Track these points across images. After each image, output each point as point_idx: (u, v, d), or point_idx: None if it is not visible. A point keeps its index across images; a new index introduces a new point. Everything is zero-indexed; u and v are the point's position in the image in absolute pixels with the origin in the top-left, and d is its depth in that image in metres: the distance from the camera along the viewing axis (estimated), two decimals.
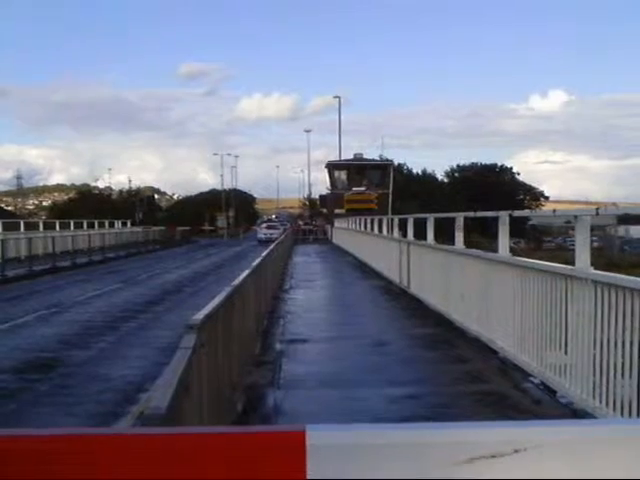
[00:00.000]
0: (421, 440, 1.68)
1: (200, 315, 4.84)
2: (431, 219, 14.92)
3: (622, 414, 6.07)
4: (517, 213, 11.25)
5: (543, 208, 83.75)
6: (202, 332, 4.58)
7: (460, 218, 12.35)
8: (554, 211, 9.46)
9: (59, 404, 9.12)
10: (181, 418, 3.56)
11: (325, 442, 1.66)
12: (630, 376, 5.97)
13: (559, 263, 8.14)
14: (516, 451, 1.64)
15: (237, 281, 8.10)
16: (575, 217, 7.37)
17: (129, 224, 68.41)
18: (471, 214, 12.95)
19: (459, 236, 12.24)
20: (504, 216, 9.78)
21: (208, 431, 1.72)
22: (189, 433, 1.71)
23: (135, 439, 1.68)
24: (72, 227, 50.34)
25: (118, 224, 63.80)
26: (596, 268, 7.03)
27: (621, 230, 63.76)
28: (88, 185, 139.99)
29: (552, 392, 7.80)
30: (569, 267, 7.39)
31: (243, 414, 7.24)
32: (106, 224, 59.66)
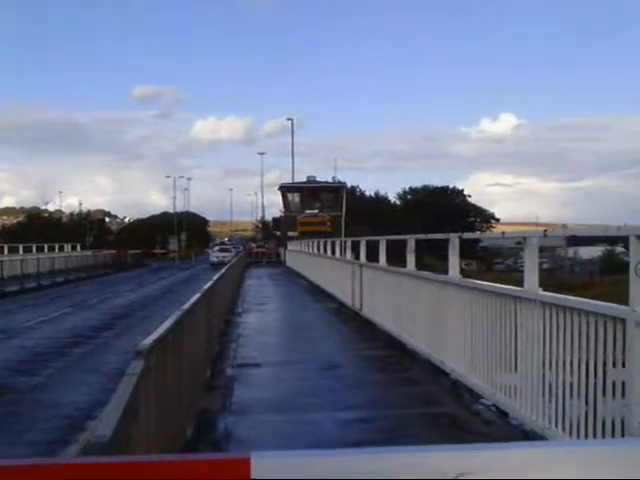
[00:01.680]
0: (367, 465, 1.66)
1: (148, 340, 4.78)
2: (383, 241, 14.98)
3: (571, 435, 6.12)
4: (467, 235, 11.38)
5: (494, 230, 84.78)
6: (150, 357, 4.52)
7: (412, 241, 12.43)
8: (503, 233, 9.59)
9: (5, 432, 8.90)
10: (128, 445, 3.49)
11: (270, 469, 1.64)
12: (578, 396, 6.02)
13: (509, 284, 8.20)
14: (461, 474, 1.64)
15: (187, 305, 8.03)
16: (524, 239, 7.46)
17: (79, 248, 67.53)
18: (422, 236, 13.03)
19: (410, 258, 12.29)
20: (454, 238, 9.85)
21: (150, 460, 1.69)
22: (132, 462, 1.68)
23: (76, 468, 1.64)
24: (21, 251, 49.53)
25: (68, 248, 62.92)
26: (546, 289, 7.09)
27: (570, 251, 64.68)
28: (38, 208, 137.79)
29: (504, 414, 7.82)
30: (518, 288, 7.46)
31: (193, 440, 7.14)
32: (56, 248, 58.78)
